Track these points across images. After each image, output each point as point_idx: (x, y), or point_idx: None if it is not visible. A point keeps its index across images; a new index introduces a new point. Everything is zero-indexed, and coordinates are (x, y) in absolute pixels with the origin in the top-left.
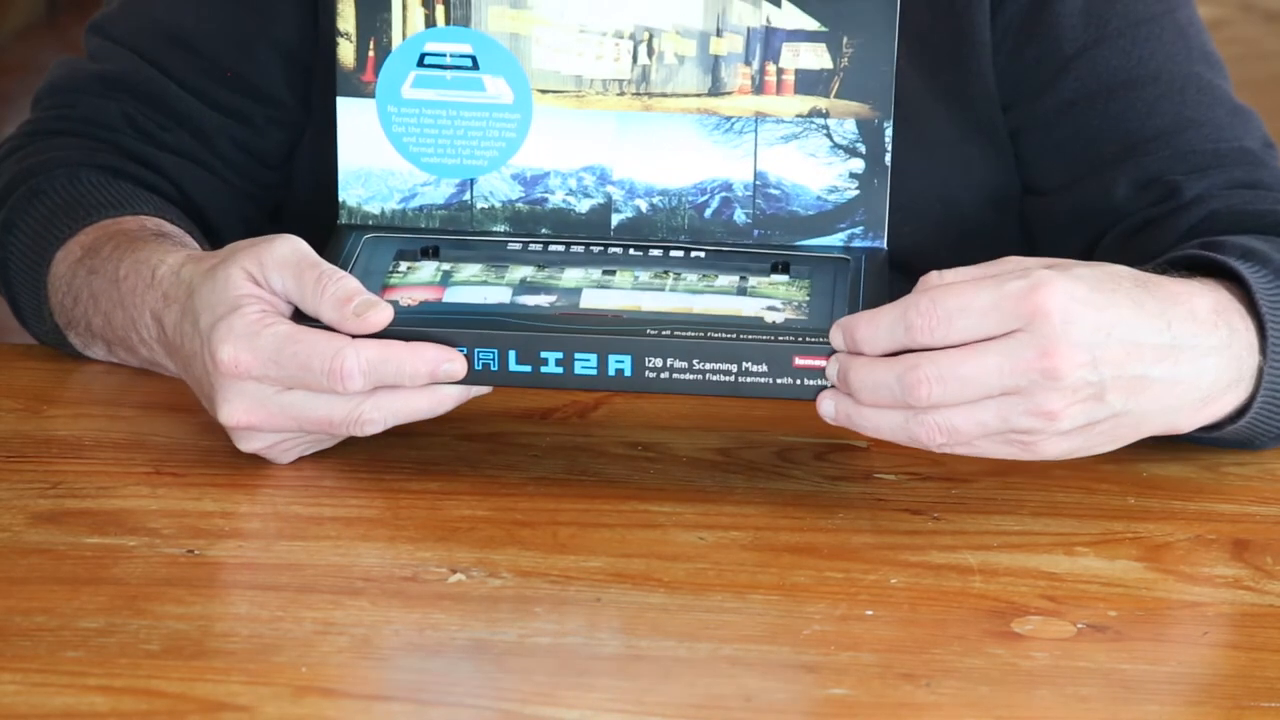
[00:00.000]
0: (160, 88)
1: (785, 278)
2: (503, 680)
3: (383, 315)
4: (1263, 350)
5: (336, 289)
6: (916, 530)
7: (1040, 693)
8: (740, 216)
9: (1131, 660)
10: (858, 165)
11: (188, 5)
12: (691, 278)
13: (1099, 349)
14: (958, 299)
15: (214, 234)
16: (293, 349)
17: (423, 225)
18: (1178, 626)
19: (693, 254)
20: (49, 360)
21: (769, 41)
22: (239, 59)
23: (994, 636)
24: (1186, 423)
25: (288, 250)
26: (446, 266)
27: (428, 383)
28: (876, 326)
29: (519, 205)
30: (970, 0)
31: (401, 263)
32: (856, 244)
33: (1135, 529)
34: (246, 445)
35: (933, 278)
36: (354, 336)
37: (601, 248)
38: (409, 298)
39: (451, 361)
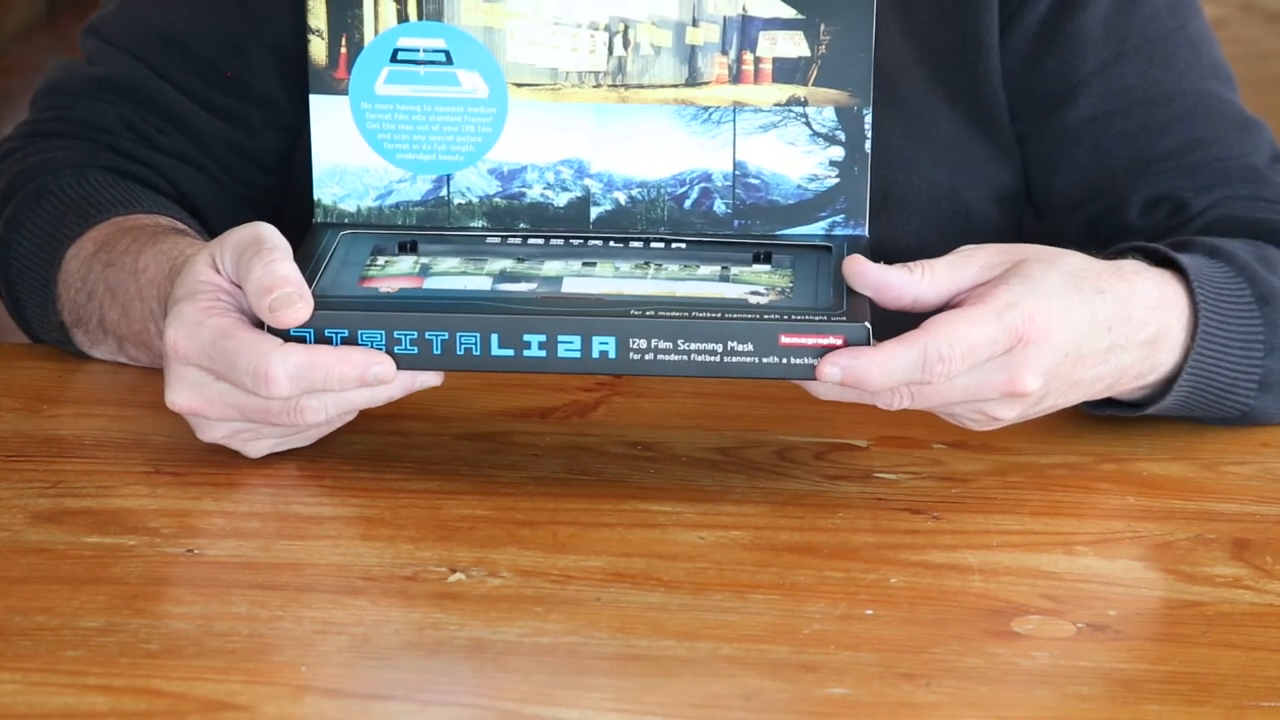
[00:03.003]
0: (156, 91)
1: (767, 267)
2: (503, 680)
3: (297, 315)
4: (1192, 335)
5: (262, 274)
6: (916, 530)
7: (1040, 693)
8: (720, 207)
9: (1131, 660)
10: (837, 153)
11: (182, 8)
12: (673, 267)
13: (1054, 368)
14: (967, 348)
15: (212, 236)
16: (223, 344)
17: (399, 222)
18: (1178, 626)
19: (673, 245)
20: (49, 360)
21: (745, 30)
22: (234, 62)
23: (994, 636)
24: (1092, 397)
25: (246, 233)
26: (425, 260)
27: (356, 386)
28: (891, 372)
29: (496, 200)
30: (978, 3)
31: (379, 257)
32: (838, 232)
33: (1135, 529)
34: (203, 435)
35: (915, 287)
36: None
37: (581, 240)
38: (388, 286)
39: (380, 364)
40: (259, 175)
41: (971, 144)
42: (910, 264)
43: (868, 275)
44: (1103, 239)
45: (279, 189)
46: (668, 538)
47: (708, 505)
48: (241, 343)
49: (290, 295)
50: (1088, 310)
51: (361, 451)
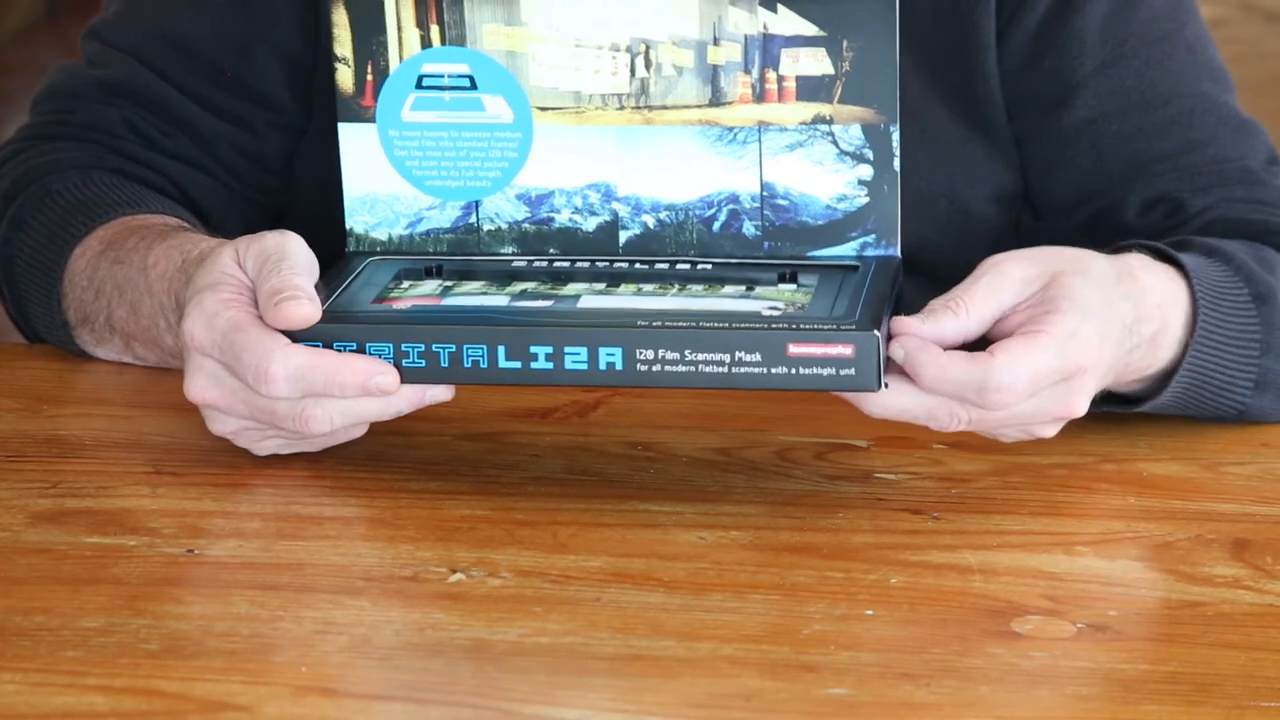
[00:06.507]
0: (160, 93)
1: (793, 286)
2: (503, 680)
3: (298, 311)
4: (1190, 332)
5: (276, 280)
6: (916, 530)
7: (1040, 693)
8: (749, 229)
9: (1131, 660)
10: (866, 172)
11: (186, 10)
12: (698, 288)
13: (1097, 386)
14: (1031, 379)
15: (217, 238)
16: (233, 337)
17: (431, 250)
18: (1178, 626)
19: (699, 266)
20: (49, 360)
21: (767, 48)
22: (237, 63)
23: (994, 636)
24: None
25: (272, 242)
26: (449, 283)
27: (359, 395)
28: (943, 380)
29: (525, 226)
30: (975, 2)
31: (404, 280)
32: (869, 253)
33: (1135, 529)
34: (213, 426)
35: (966, 326)
36: (291, 338)
37: (608, 263)
38: (403, 304)
39: (384, 375)
40: (263, 177)
41: (970, 144)
42: (950, 301)
43: (921, 332)
44: (1100, 239)
45: (283, 190)
46: (668, 538)
47: (708, 505)
48: (249, 337)
49: (298, 295)
50: (1120, 323)
51: (361, 451)
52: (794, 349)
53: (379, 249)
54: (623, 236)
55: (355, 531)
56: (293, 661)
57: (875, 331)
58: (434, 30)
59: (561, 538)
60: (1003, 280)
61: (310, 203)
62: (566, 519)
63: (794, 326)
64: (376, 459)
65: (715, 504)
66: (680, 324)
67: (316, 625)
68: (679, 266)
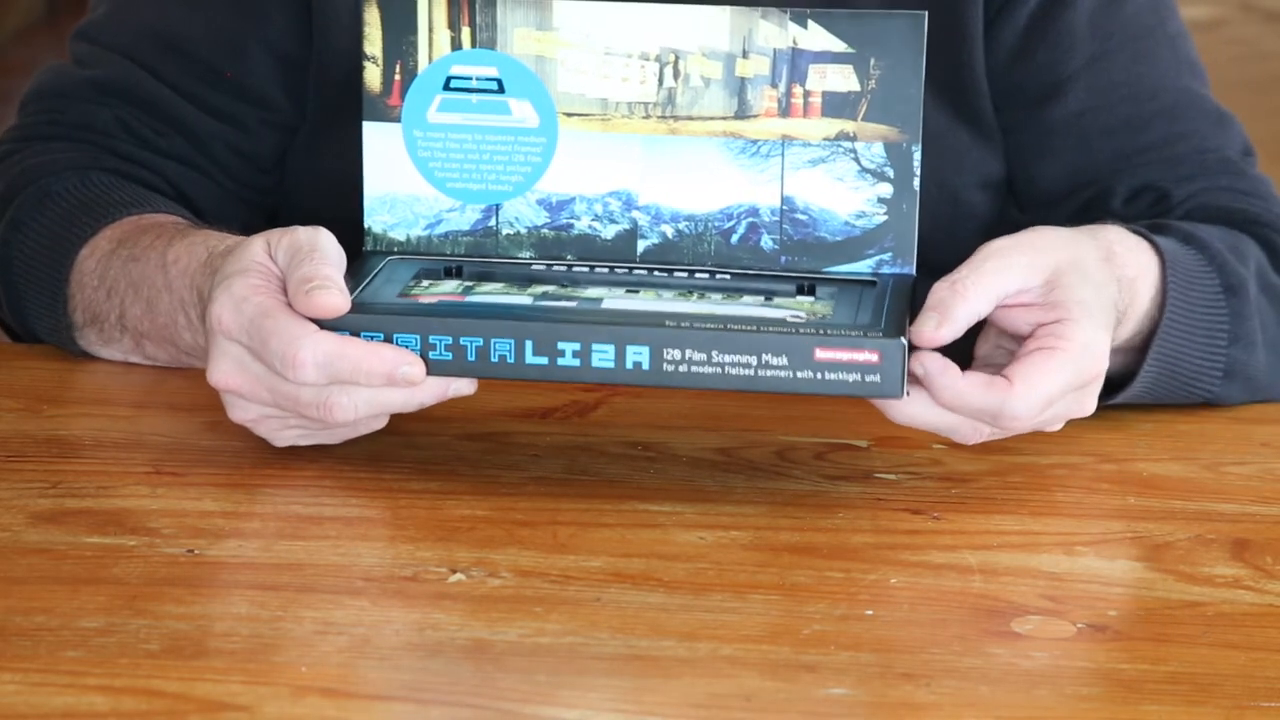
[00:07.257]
0: (153, 92)
1: (810, 298)
2: (503, 680)
3: (329, 300)
4: (1160, 308)
5: (308, 268)
6: (916, 530)
7: (1040, 693)
8: (767, 242)
9: (1131, 660)
10: (886, 190)
11: (178, 9)
12: (716, 297)
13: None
14: (1046, 400)
15: None
16: (261, 323)
17: (448, 252)
18: (1178, 626)
19: (717, 276)
20: (49, 360)
21: (795, 63)
22: (231, 62)
23: (994, 636)
24: None
25: (304, 236)
26: (469, 283)
27: (384, 384)
28: (960, 405)
29: (544, 231)
30: None
31: (425, 279)
32: (885, 270)
33: (1135, 529)
34: (234, 414)
35: (976, 305)
36: (319, 326)
37: (626, 270)
38: (428, 299)
39: (410, 365)
40: (257, 175)
41: (957, 132)
42: (956, 284)
43: (938, 337)
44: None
45: (276, 188)
46: (668, 538)
47: (708, 505)
48: (278, 323)
49: (329, 285)
50: (1112, 308)
51: (361, 451)
52: (821, 353)
53: (396, 249)
54: (640, 245)
55: (355, 531)
56: (293, 661)
57: (902, 339)
58: (465, 32)
59: (561, 538)
60: (1007, 265)
61: (303, 200)
62: (566, 519)
63: (822, 331)
64: (376, 459)
65: (715, 504)
66: (708, 325)
67: (316, 625)
68: (697, 276)
